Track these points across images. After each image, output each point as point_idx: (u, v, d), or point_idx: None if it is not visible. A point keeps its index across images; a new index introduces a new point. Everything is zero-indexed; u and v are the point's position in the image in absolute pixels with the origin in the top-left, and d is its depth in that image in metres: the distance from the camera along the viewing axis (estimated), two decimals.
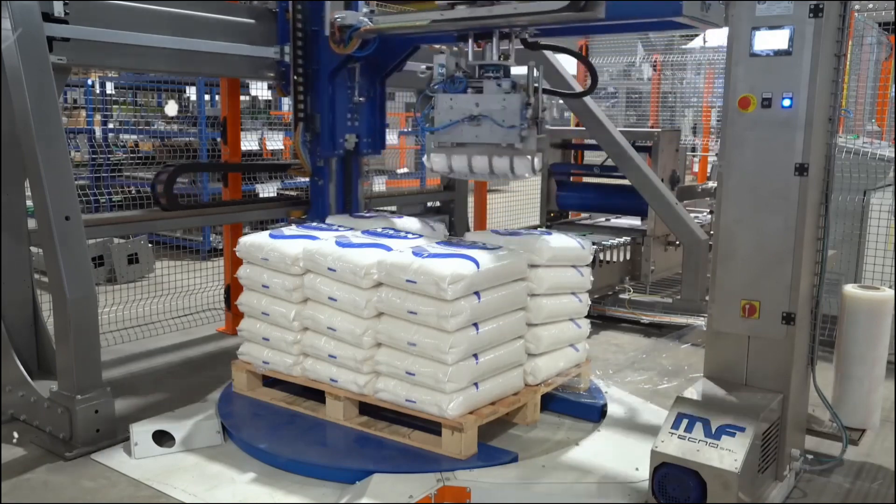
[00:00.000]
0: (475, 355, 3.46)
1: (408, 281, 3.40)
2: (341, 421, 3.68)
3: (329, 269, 3.64)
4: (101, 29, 4.01)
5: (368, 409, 3.71)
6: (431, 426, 3.48)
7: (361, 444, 3.53)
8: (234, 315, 5.63)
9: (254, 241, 3.98)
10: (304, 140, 4.93)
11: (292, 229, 4.13)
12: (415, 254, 3.51)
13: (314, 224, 4.38)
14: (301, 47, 4.81)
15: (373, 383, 3.61)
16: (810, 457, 3.43)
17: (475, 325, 3.43)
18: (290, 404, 3.90)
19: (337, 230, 4.11)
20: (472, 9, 3.87)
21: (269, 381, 4.09)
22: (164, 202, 4.74)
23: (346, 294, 3.60)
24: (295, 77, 4.83)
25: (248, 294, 4.05)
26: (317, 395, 3.85)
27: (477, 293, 3.41)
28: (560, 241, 3.90)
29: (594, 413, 3.91)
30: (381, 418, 3.69)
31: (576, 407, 3.96)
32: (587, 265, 4.06)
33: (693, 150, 12.54)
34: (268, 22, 4.88)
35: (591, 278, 4.09)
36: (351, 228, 4.19)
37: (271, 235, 3.99)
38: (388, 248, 3.65)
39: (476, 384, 3.47)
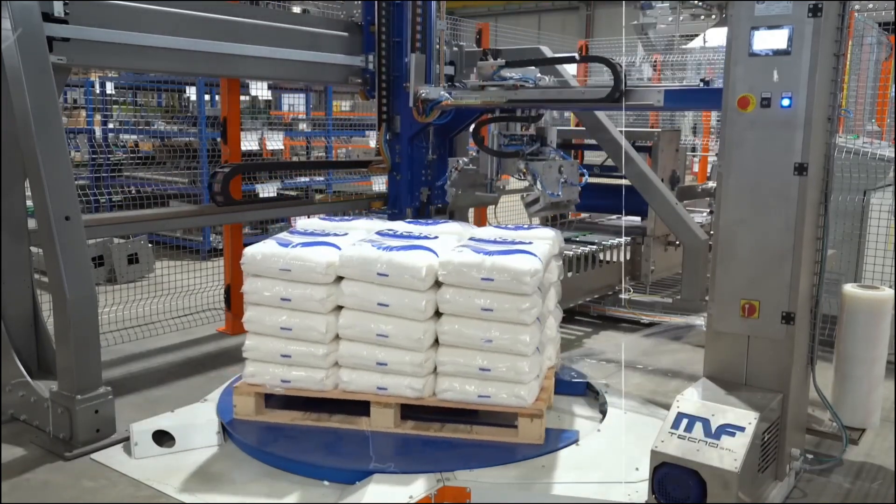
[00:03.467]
0: (537, 347, 3.61)
1: (484, 279, 3.44)
2: (391, 429, 3.61)
3: (379, 274, 3.54)
4: (101, 29, 4.02)
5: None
6: (463, 419, 3.62)
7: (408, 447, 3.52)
8: (234, 315, 5.64)
9: (268, 251, 3.68)
10: (385, 139, 5.48)
11: (297, 237, 3.90)
12: (476, 251, 3.58)
13: (309, 230, 4.11)
14: (385, 56, 5.41)
15: (431, 385, 3.60)
16: (810, 457, 3.43)
17: (537, 317, 3.60)
18: (317, 421, 3.70)
19: (344, 235, 3.95)
20: (543, 90, 4.79)
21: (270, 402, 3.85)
22: (219, 199, 5.08)
23: (399, 299, 3.53)
24: (380, 83, 5.44)
25: (257, 310, 3.73)
26: (334, 408, 3.75)
27: (539, 286, 3.57)
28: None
29: (580, 388, 4.23)
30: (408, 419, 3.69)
31: (565, 385, 4.21)
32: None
33: (693, 150, 12.53)
34: (355, 34, 5.50)
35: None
36: (335, 234, 3.97)
37: (281, 244, 3.73)
38: (429, 249, 3.64)
39: (537, 374, 3.65)
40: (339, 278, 3.66)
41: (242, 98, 7.88)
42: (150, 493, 3.23)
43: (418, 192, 5.52)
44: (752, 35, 3.01)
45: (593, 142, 6.45)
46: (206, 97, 8.72)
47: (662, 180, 6.26)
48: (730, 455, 2.80)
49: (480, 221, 7.39)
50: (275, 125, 9.49)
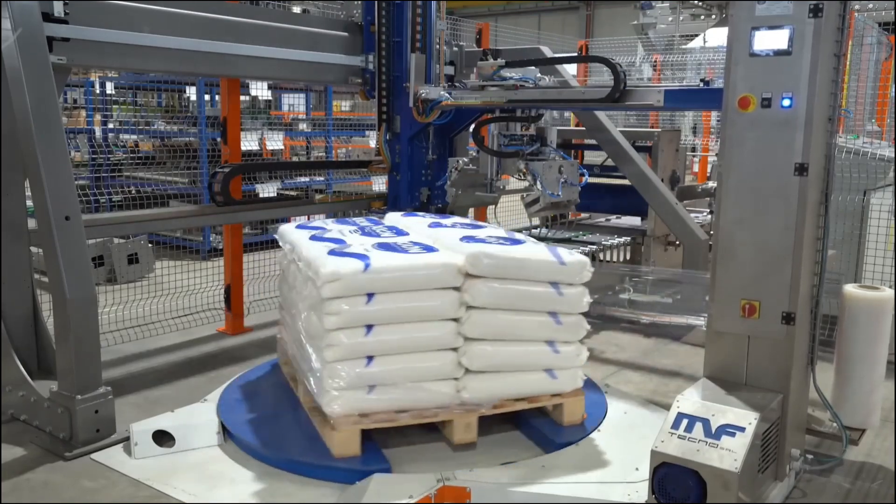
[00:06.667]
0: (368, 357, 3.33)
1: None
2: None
3: None
4: (101, 29, 4.02)
5: None
6: None
7: None
8: (234, 315, 5.64)
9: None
10: (385, 139, 5.54)
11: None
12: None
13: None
14: (385, 56, 5.45)
15: None
16: (810, 457, 3.43)
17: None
18: None
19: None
20: (543, 91, 4.81)
21: None
22: (219, 199, 5.11)
23: None
24: (380, 83, 5.48)
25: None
26: None
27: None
28: (517, 252, 3.48)
29: (551, 445, 3.54)
30: None
31: (535, 433, 3.65)
32: (575, 283, 3.58)
33: (693, 150, 12.55)
34: (355, 34, 5.53)
35: (588, 298, 3.63)
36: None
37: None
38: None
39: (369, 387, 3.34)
40: None
41: (242, 98, 7.88)
42: (150, 493, 3.23)
43: (418, 192, 5.54)
44: (753, 35, 3.01)
45: (593, 142, 6.46)
46: (206, 97, 8.72)
47: (662, 180, 6.26)
48: (730, 455, 2.80)
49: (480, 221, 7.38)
50: (275, 125, 9.50)
